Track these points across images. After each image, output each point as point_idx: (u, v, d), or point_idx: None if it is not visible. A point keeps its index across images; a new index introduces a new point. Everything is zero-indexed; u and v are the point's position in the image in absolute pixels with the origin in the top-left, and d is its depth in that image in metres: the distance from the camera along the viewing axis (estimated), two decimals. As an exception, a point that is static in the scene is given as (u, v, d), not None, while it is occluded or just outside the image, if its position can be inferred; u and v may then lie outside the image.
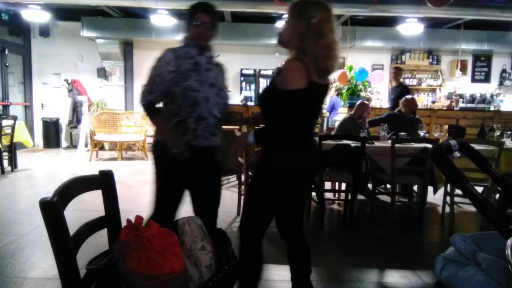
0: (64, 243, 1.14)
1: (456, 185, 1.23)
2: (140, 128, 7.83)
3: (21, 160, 6.53)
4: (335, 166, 3.97)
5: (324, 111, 7.89)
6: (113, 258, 1.25)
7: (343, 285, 2.57)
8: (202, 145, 2.02)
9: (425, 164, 3.66)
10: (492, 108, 8.36)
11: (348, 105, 7.16)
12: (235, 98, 7.96)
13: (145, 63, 7.08)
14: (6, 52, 8.17)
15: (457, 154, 1.39)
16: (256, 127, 1.85)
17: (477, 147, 3.46)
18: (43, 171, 6.17)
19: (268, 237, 3.27)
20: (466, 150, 1.44)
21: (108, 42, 8.46)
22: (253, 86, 8.97)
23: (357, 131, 4.42)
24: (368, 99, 7.38)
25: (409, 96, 4.94)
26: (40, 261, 2.75)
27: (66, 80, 8.76)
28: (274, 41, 7.44)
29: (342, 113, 7.10)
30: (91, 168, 6.45)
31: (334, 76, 8.41)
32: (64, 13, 8.24)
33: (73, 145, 8.96)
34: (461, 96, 8.78)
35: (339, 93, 7.93)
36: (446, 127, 4.97)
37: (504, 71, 9.32)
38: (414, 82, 9.11)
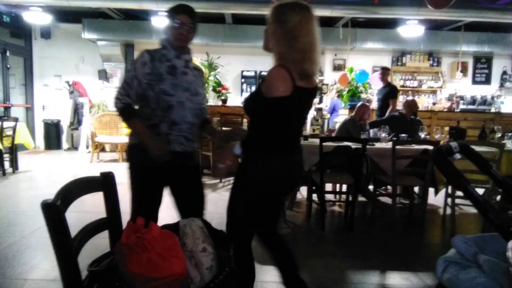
0: (65, 245, 1.14)
1: (457, 187, 1.23)
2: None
3: (22, 161, 6.54)
4: (336, 167, 3.97)
5: (324, 112, 7.90)
6: (114, 260, 1.25)
7: (344, 286, 2.57)
8: (176, 150, 1.97)
9: (426, 166, 3.67)
10: (493, 110, 8.34)
11: (348, 106, 7.17)
12: (236, 100, 7.97)
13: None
14: (8, 54, 8.20)
15: (458, 156, 1.39)
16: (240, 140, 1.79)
17: (478, 149, 3.46)
18: (44, 173, 6.17)
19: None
20: (467, 152, 1.44)
21: (109, 44, 8.48)
22: (253, 88, 8.98)
23: (357, 132, 4.42)
24: (369, 101, 7.39)
25: (409, 98, 4.95)
26: (41, 262, 2.75)
27: (67, 82, 8.77)
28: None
29: (342, 115, 7.11)
30: (92, 169, 6.45)
31: (334, 78, 8.45)
32: (65, 15, 8.27)
33: (74, 147, 8.97)
34: (461, 97, 8.78)
35: (339, 94, 7.94)
36: (447, 128, 4.97)
37: (504, 73, 9.33)
38: (415, 84, 9.12)
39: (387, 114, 5.61)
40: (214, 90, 7.60)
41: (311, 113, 7.67)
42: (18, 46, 8.66)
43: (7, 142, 5.74)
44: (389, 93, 5.96)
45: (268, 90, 1.65)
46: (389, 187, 4.25)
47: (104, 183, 1.45)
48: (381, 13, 6.63)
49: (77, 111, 8.70)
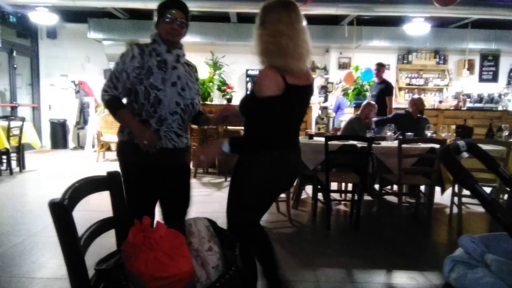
0: (73, 243, 1.15)
1: (464, 186, 1.22)
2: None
3: (29, 161, 6.59)
4: (342, 166, 3.96)
5: (330, 111, 7.89)
6: (121, 259, 1.26)
7: (350, 286, 2.56)
8: (167, 146, 1.95)
9: (432, 165, 3.64)
10: (500, 108, 8.27)
11: (354, 105, 7.13)
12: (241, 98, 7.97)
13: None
14: (14, 54, 8.26)
15: (465, 154, 1.38)
16: (231, 136, 1.80)
17: (485, 147, 3.43)
18: (51, 172, 6.22)
19: (275, 239, 3.26)
20: (474, 150, 1.43)
21: (115, 43, 8.50)
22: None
23: (363, 131, 4.41)
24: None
25: (416, 96, 4.92)
26: (48, 261, 2.77)
27: (73, 82, 8.83)
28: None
29: (348, 113, 7.08)
30: (99, 168, 6.49)
31: (340, 76, 8.41)
32: (71, 15, 8.32)
33: (80, 146, 9.03)
34: (468, 95, 8.71)
35: (345, 93, 7.91)
36: (453, 127, 4.94)
37: (512, 70, 9.25)
38: (421, 82, 9.06)
39: (390, 114, 5.51)
40: (219, 89, 7.60)
41: (316, 112, 7.69)
42: (24, 46, 8.72)
43: (14, 142, 5.78)
44: (385, 90, 5.80)
45: (259, 90, 1.68)
46: (395, 186, 4.23)
47: (111, 182, 1.46)
48: (387, 11, 6.59)
49: (83, 110, 8.76)
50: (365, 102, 4.84)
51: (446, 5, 5.24)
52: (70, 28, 8.85)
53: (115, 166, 1.85)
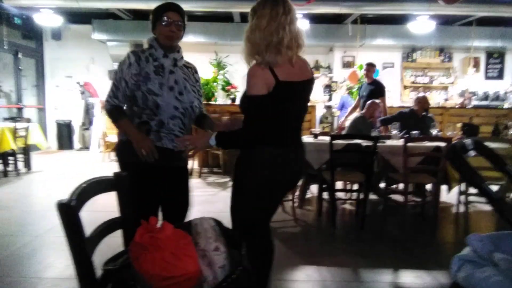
0: (81, 244, 1.15)
1: (472, 185, 1.22)
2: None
3: (35, 162, 6.63)
4: (347, 165, 3.95)
5: (334, 110, 7.87)
6: (129, 259, 1.26)
7: (356, 285, 2.56)
8: (167, 146, 1.96)
9: (438, 163, 3.63)
10: (506, 106, 8.21)
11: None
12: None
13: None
14: (19, 55, 8.32)
15: (472, 153, 1.38)
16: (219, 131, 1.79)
17: (491, 145, 3.40)
18: (57, 173, 6.26)
19: (280, 238, 3.27)
20: (481, 149, 1.42)
21: (119, 44, 8.53)
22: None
23: (368, 130, 4.39)
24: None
25: (421, 94, 4.89)
26: (56, 261, 2.79)
27: (78, 83, 8.87)
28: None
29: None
30: (105, 169, 6.52)
31: (344, 75, 8.39)
32: (76, 17, 8.36)
33: (85, 146, 9.07)
34: (474, 93, 8.66)
35: (349, 92, 7.89)
36: (459, 125, 4.91)
37: (518, 67, 9.17)
38: (426, 80, 9.01)
39: (386, 116, 5.35)
40: (223, 89, 7.60)
41: (321, 111, 7.68)
42: (29, 47, 8.78)
43: (20, 143, 5.83)
44: (376, 91, 5.56)
45: (248, 88, 1.67)
46: (400, 184, 4.22)
47: (118, 183, 1.47)
48: (391, 9, 6.56)
49: (88, 111, 8.81)
50: (370, 101, 4.82)
51: (450, 3, 5.21)
52: (74, 30, 8.89)
53: (121, 167, 1.85)
